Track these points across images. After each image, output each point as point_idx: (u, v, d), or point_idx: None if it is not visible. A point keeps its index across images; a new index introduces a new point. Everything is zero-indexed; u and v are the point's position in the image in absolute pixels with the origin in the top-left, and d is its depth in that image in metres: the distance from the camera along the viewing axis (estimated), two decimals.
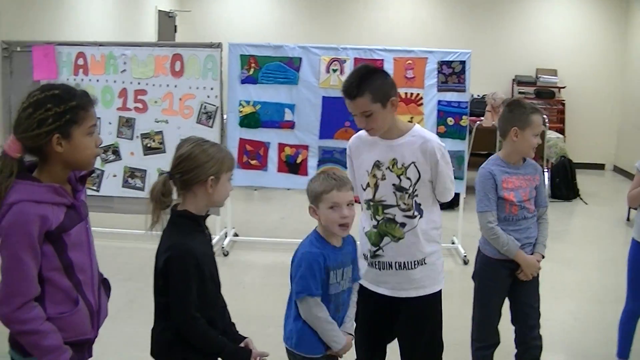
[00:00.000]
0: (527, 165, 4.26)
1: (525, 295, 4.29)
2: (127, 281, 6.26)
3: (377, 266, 3.77)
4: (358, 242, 3.75)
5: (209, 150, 2.99)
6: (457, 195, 8.45)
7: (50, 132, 2.57)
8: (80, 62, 8.00)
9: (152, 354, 3.06)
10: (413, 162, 3.63)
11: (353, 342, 3.58)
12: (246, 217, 8.96)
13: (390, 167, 3.65)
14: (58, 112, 2.56)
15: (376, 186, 3.69)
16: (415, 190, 3.66)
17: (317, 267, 3.33)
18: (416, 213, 3.69)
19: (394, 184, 3.66)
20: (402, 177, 3.65)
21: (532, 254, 4.22)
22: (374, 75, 3.55)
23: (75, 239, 2.69)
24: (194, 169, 2.95)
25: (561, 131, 13.42)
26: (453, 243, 8.20)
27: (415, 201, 3.68)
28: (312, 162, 7.79)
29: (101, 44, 8.05)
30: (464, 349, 4.51)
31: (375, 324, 3.94)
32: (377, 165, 3.68)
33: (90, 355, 2.88)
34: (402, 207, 3.68)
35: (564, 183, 11.34)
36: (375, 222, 3.72)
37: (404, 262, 3.73)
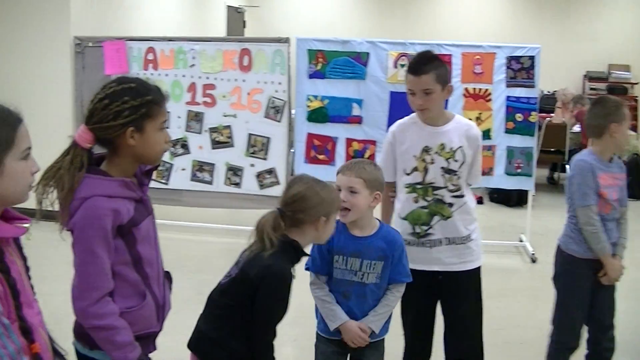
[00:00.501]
0: (615, 164, 4.21)
1: (603, 296, 4.23)
2: (194, 273, 6.32)
3: (428, 244, 3.90)
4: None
5: (322, 193, 3.05)
6: (525, 192, 8.36)
7: (125, 125, 2.56)
8: (150, 57, 8.11)
9: (197, 347, 3.08)
10: (460, 147, 3.85)
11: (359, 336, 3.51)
12: None
13: (439, 151, 3.83)
14: (134, 105, 2.56)
15: (425, 170, 3.85)
16: (461, 172, 3.86)
17: (316, 247, 3.49)
18: (464, 193, 3.90)
19: (442, 167, 3.85)
20: (450, 160, 3.85)
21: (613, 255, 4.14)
22: (438, 59, 3.85)
23: (144, 233, 2.69)
24: (306, 210, 3.01)
25: (634, 128, 13.15)
26: (521, 241, 8.09)
27: (461, 183, 3.88)
28: (379, 158, 7.66)
29: (170, 39, 8.14)
30: (531, 347, 4.46)
31: (424, 307, 4.06)
32: (425, 150, 3.84)
33: (155, 348, 2.87)
34: (450, 189, 3.87)
35: (636, 181, 11.09)
36: (425, 203, 3.87)
37: (453, 238, 3.92)
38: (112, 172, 2.64)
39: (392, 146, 3.95)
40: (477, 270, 4.04)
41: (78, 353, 2.74)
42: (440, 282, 3.97)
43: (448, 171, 3.84)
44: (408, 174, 3.88)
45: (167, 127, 2.75)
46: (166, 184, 8.16)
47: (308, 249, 3.16)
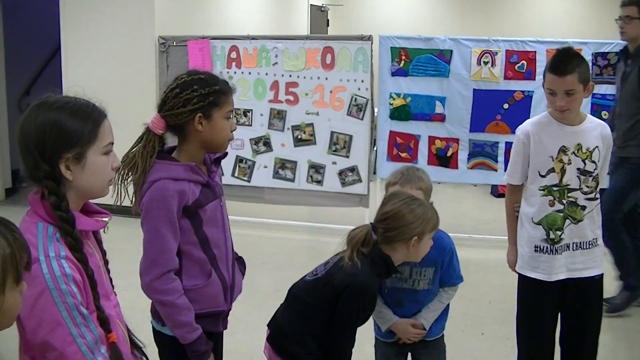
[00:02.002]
0: None
1: None
2: (274, 270, 6.33)
3: (559, 251, 3.75)
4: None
5: (416, 211, 3.06)
6: None
7: (194, 111, 2.77)
8: (234, 55, 8.17)
9: (274, 340, 3.14)
10: (597, 147, 3.70)
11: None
12: None
13: (576, 151, 3.68)
14: (203, 93, 2.76)
15: (563, 171, 3.70)
16: (596, 173, 3.72)
17: None
18: (597, 195, 3.76)
19: (578, 168, 3.69)
20: (587, 161, 3.69)
21: None
22: (580, 56, 3.72)
23: (210, 215, 2.86)
24: (399, 228, 3.03)
25: None
26: None
27: (595, 184, 3.74)
28: (463, 156, 7.68)
29: (253, 38, 8.18)
30: None
31: (548, 318, 3.91)
32: (562, 150, 3.69)
33: (225, 327, 3.04)
34: (585, 190, 3.71)
35: None
36: (560, 206, 3.73)
37: (580, 242, 3.75)
38: (181, 158, 2.85)
39: (525, 146, 3.78)
40: (601, 277, 3.87)
41: (154, 329, 2.94)
42: (564, 290, 3.81)
43: (584, 172, 3.70)
44: (543, 176, 3.73)
45: (234, 119, 2.85)
46: (248, 181, 8.21)
47: None
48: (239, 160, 8.25)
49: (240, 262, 3.19)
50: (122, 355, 2.15)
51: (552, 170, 3.70)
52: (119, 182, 2.80)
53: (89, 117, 2.13)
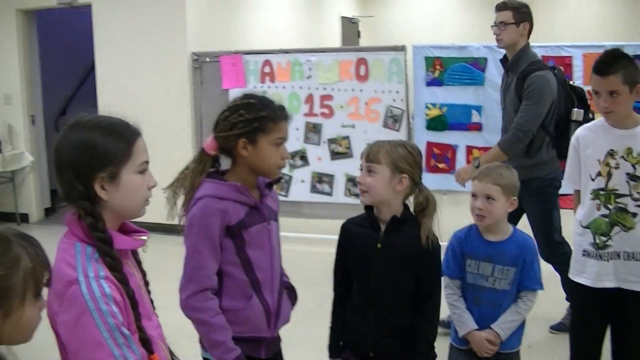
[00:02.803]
0: None
1: None
2: (314, 286, 6.27)
3: (605, 257, 3.67)
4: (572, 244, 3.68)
5: None
6: None
7: (239, 136, 2.77)
8: (267, 69, 8.16)
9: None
10: None
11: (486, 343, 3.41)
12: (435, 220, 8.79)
13: (625, 155, 3.60)
14: (248, 118, 2.76)
15: (609, 175, 3.64)
16: None
17: (450, 248, 3.49)
18: None
19: (627, 173, 3.61)
20: (637, 166, 3.60)
21: None
22: (627, 58, 3.58)
23: (255, 238, 2.84)
24: None
25: None
26: None
27: None
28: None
29: (286, 52, 8.16)
30: None
31: (595, 328, 3.84)
32: (610, 153, 3.63)
33: (269, 355, 2.99)
34: (635, 197, 3.62)
35: None
36: (606, 211, 3.65)
37: (632, 253, 3.65)
38: (231, 180, 2.83)
39: (576, 150, 3.78)
40: None
41: (203, 358, 2.92)
42: (613, 299, 3.73)
43: (633, 177, 3.61)
44: (593, 180, 3.69)
45: (283, 143, 2.86)
46: (286, 195, 8.18)
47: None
48: None
49: (291, 291, 3.15)
50: None
51: (600, 173, 3.66)
52: (171, 198, 2.85)
53: (123, 135, 2.11)
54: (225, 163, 2.93)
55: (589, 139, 3.71)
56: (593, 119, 4.79)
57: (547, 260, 4.99)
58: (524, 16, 5.17)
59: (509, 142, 5.02)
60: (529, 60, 5.13)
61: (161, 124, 8.63)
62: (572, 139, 3.81)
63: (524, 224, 3.52)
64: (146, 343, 2.08)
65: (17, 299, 1.61)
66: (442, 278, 3.47)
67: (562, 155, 4.86)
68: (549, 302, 3.96)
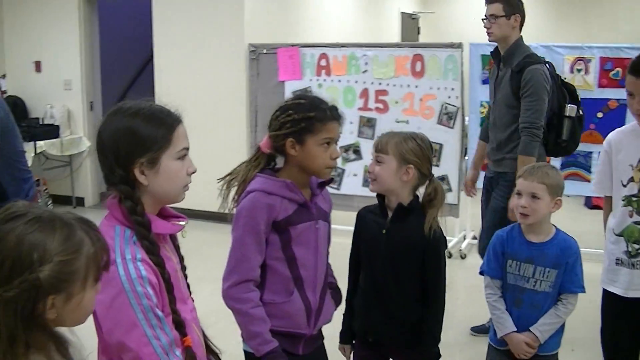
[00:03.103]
0: None
1: None
2: None
3: (637, 266, 3.57)
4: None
5: None
6: None
7: (287, 135, 2.81)
8: (323, 63, 8.19)
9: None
10: None
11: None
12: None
13: None
14: (296, 119, 2.79)
15: None
16: None
17: (492, 248, 3.48)
18: None
19: None
20: None
21: None
22: None
23: (301, 235, 2.87)
24: None
25: None
26: None
27: None
28: (555, 165, 7.41)
29: (343, 46, 8.18)
30: None
31: (626, 333, 3.73)
32: None
33: (307, 352, 2.99)
34: None
35: None
36: (639, 218, 3.55)
37: None
38: (282, 177, 2.87)
39: (608, 155, 3.66)
40: None
41: (244, 350, 2.94)
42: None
43: None
44: (625, 186, 3.59)
45: (335, 146, 2.89)
46: (338, 189, 8.20)
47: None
48: None
49: (336, 292, 3.15)
50: (197, 359, 2.17)
51: (632, 179, 3.55)
52: (224, 189, 2.92)
53: (163, 122, 2.15)
54: (281, 162, 2.98)
55: (622, 143, 3.59)
56: (584, 115, 5.00)
57: (481, 253, 4.98)
58: (514, 8, 5.00)
59: (527, 146, 4.81)
60: (524, 53, 4.98)
61: (217, 114, 8.72)
62: (605, 144, 3.68)
63: (559, 224, 3.45)
64: (180, 326, 2.11)
65: (79, 282, 1.64)
66: (483, 278, 3.50)
67: (552, 152, 5.11)
68: (593, 305, 3.89)
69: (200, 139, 9.22)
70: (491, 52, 5.19)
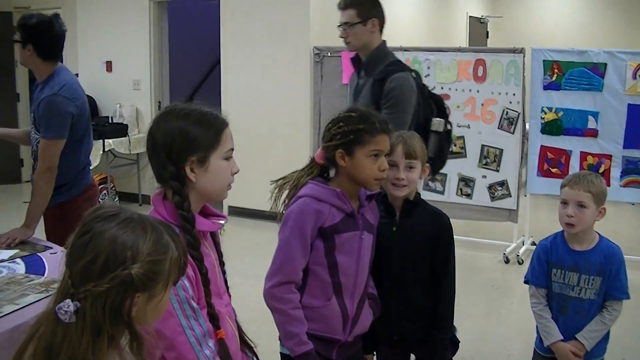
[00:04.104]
0: None
1: None
2: None
3: None
4: None
5: None
6: None
7: (337, 146, 2.89)
8: None
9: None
10: None
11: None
12: (545, 225, 8.72)
13: None
14: (346, 130, 2.87)
15: None
16: None
17: (536, 257, 3.49)
18: None
19: None
20: None
21: None
22: None
23: (345, 244, 2.92)
24: None
25: None
26: None
27: None
28: (615, 173, 7.39)
29: (405, 49, 8.20)
30: None
31: None
32: None
33: (341, 358, 3.04)
34: None
35: None
36: None
37: None
38: (333, 186, 2.95)
39: None
40: None
41: (280, 352, 3.01)
42: None
43: None
44: None
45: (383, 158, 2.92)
46: None
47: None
48: None
49: (375, 302, 3.18)
50: (230, 352, 2.26)
51: None
52: (276, 192, 3.02)
53: (213, 124, 2.27)
54: (333, 174, 3.07)
55: None
56: (452, 130, 4.52)
57: None
58: (370, 12, 4.43)
59: None
60: (387, 60, 4.43)
61: (281, 116, 8.84)
62: None
63: (607, 231, 3.45)
64: (214, 319, 2.22)
65: (162, 283, 1.72)
66: (528, 287, 3.54)
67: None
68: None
69: (265, 140, 9.41)
70: (351, 59, 4.66)
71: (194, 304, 2.14)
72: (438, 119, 4.35)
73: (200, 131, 2.23)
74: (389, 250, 3.18)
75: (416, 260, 3.17)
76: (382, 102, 4.20)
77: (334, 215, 2.89)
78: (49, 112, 4.13)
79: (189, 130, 2.21)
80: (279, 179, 3.06)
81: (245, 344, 2.51)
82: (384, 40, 4.49)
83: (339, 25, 4.44)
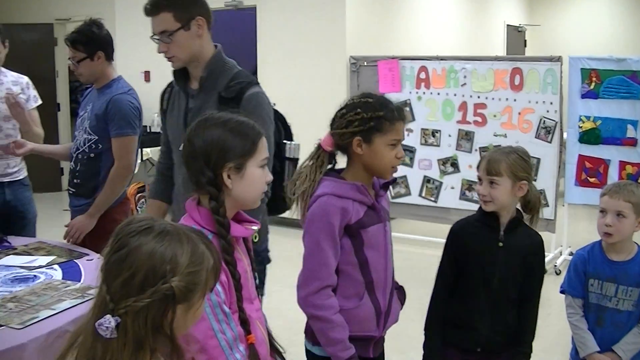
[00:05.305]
0: None
1: None
2: None
3: None
4: None
5: None
6: None
7: (354, 134, 2.78)
8: (422, 75, 8.25)
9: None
10: None
11: None
12: (583, 235, 8.66)
13: None
14: (365, 117, 2.76)
15: None
16: None
17: (573, 267, 3.44)
18: None
19: None
20: None
21: None
22: None
23: (372, 238, 2.85)
24: None
25: None
26: None
27: None
28: None
29: (442, 59, 8.21)
30: None
31: None
32: None
33: (377, 354, 3.00)
34: None
35: None
36: None
37: None
38: (347, 178, 2.86)
39: None
40: None
41: (305, 348, 2.97)
42: None
43: None
44: None
45: (400, 147, 2.87)
46: (435, 202, 8.25)
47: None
48: (427, 180, 8.31)
49: (400, 291, 3.13)
50: (260, 356, 2.29)
51: None
52: (292, 194, 2.91)
53: (249, 133, 2.31)
54: (341, 160, 2.97)
55: None
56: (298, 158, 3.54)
57: None
58: (190, 10, 3.41)
59: None
60: (231, 71, 3.51)
61: (318, 126, 8.80)
62: None
63: None
64: (245, 323, 2.25)
65: (200, 293, 1.74)
66: (564, 297, 3.50)
67: (272, 208, 3.43)
68: None
69: (302, 150, 9.36)
70: (174, 76, 3.54)
71: (226, 309, 2.16)
72: (291, 142, 3.63)
73: (238, 139, 2.27)
74: (492, 264, 3.12)
75: (514, 276, 3.13)
76: None
77: (358, 210, 2.81)
78: (124, 108, 4.24)
79: (227, 138, 2.25)
80: (292, 179, 2.96)
81: (275, 350, 2.52)
82: (217, 45, 3.59)
83: (152, 36, 3.43)
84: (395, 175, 3.01)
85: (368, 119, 2.76)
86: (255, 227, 2.41)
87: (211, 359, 2.13)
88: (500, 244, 3.10)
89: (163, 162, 3.75)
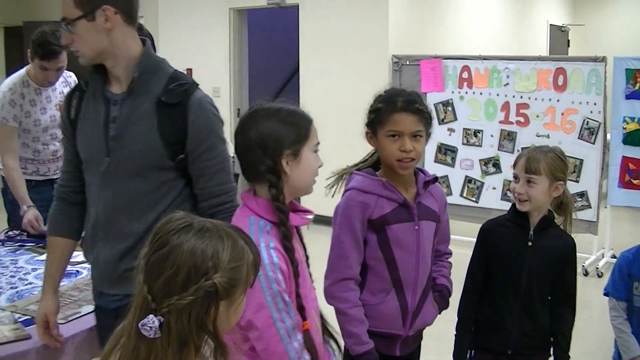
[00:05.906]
0: None
1: None
2: None
3: None
4: None
5: None
6: None
7: (366, 126, 2.88)
8: (465, 75, 8.22)
9: None
10: None
11: None
12: (628, 239, 8.56)
13: None
14: (370, 109, 2.86)
15: None
16: None
17: (617, 269, 3.43)
18: None
19: None
20: None
21: None
22: None
23: (399, 236, 2.82)
24: None
25: None
26: None
27: None
28: None
29: (485, 58, 8.18)
30: None
31: None
32: None
33: (404, 353, 2.97)
34: None
35: None
36: None
37: None
38: (380, 174, 2.89)
39: None
40: None
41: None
42: None
43: None
44: None
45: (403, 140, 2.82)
46: (476, 202, 8.22)
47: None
48: (468, 180, 8.29)
49: (442, 295, 3.07)
50: (315, 343, 2.30)
51: None
52: (331, 187, 2.99)
53: (302, 119, 2.35)
54: None
55: None
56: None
57: None
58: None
59: None
60: (167, 71, 2.78)
61: (359, 125, 8.83)
62: None
63: None
64: (302, 310, 2.27)
65: (242, 288, 1.74)
66: (608, 299, 3.47)
67: None
68: None
69: (344, 149, 9.38)
70: (91, 73, 2.81)
71: (286, 297, 2.18)
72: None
73: (292, 126, 2.29)
74: (521, 264, 3.09)
75: (544, 277, 3.10)
76: (191, 141, 2.68)
77: (383, 206, 2.79)
78: None
79: (282, 126, 2.28)
80: (337, 172, 3.02)
81: (329, 334, 2.52)
82: (145, 39, 2.85)
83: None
84: (437, 174, 3.01)
85: (371, 111, 2.84)
86: (310, 217, 2.42)
87: (269, 346, 2.16)
88: (530, 244, 3.08)
89: (66, 184, 2.94)
